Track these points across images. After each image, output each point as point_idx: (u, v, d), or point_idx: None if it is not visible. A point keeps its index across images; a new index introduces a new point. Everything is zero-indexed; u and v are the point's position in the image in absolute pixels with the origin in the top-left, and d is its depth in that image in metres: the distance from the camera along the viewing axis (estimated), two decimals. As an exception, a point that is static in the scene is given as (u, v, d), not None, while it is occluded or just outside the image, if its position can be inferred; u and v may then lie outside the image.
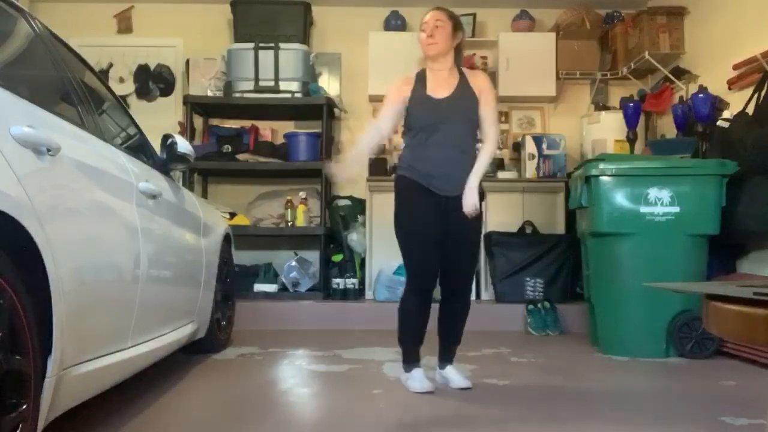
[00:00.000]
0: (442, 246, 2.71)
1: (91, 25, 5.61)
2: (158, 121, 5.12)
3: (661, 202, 3.58)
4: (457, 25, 2.76)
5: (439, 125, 2.69)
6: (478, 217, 2.76)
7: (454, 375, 2.83)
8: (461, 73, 2.79)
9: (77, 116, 2.01)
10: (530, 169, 5.22)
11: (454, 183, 2.70)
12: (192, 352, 3.39)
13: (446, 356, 2.88)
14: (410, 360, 2.79)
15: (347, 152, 2.87)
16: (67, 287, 1.57)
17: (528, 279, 4.91)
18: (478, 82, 2.79)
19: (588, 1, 5.52)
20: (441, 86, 2.74)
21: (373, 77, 5.42)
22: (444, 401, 2.62)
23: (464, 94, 2.74)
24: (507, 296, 4.92)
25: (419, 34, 2.76)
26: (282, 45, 5.17)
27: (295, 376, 3.15)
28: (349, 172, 3.15)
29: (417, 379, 2.74)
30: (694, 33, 4.83)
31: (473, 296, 5.16)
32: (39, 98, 1.75)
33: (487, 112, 2.76)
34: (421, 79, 2.79)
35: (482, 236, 2.90)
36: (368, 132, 2.94)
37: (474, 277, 3.02)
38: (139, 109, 5.50)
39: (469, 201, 2.68)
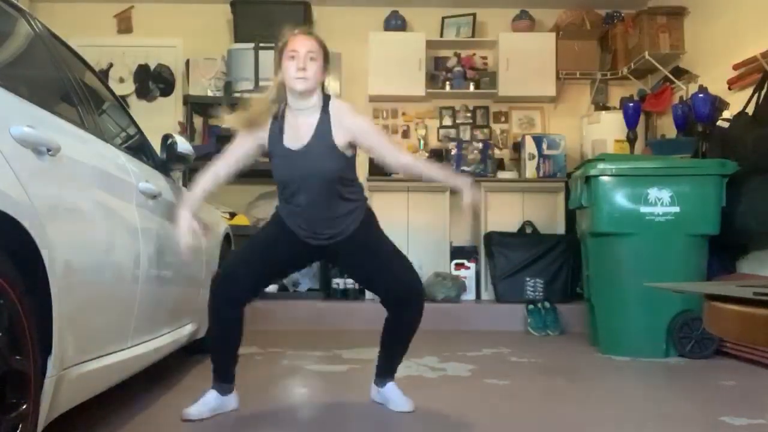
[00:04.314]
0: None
1: (91, 25, 5.61)
2: (158, 121, 5.12)
3: (661, 202, 3.58)
4: (327, 56, 2.31)
5: (298, 180, 2.29)
6: None
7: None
8: (325, 110, 2.29)
9: (77, 116, 2.01)
10: (530, 169, 5.22)
11: (325, 235, 2.35)
12: (192, 352, 3.39)
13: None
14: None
15: (184, 201, 2.41)
16: (67, 287, 1.57)
17: (528, 279, 4.91)
18: (346, 121, 2.28)
19: (588, 1, 5.52)
20: (299, 133, 2.28)
21: (373, 77, 5.43)
22: (443, 400, 2.62)
23: (320, 144, 2.26)
24: (507, 296, 4.92)
25: (284, 63, 2.25)
26: (282, 45, 5.17)
27: (295, 376, 3.15)
28: (191, 226, 2.34)
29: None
30: (694, 33, 4.82)
31: (473, 296, 5.20)
32: (39, 98, 1.75)
33: (373, 141, 2.33)
34: (279, 121, 2.32)
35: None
36: (206, 173, 2.42)
37: None
38: (139, 109, 5.50)
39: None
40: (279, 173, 2.33)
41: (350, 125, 2.29)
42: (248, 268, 2.39)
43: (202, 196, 2.43)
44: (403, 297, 2.38)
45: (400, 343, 2.48)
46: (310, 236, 2.36)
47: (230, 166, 2.40)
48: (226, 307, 2.38)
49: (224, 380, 2.42)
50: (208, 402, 2.36)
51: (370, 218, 2.43)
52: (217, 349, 2.44)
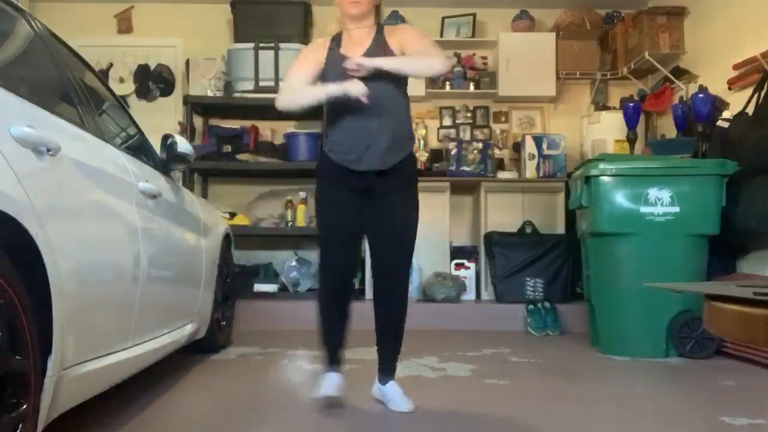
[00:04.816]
0: (363, 234, 2.50)
1: (91, 25, 5.61)
2: (158, 121, 5.12)
3: (661, 202, 3.58)
4: None
5: None
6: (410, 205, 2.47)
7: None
8: (380, 31, 2.45)
9: (77, 116, 2.01)
10: (530, 169, 5.21)
11: (376, 155, 2.36)
12: (192, 352, 3.39)
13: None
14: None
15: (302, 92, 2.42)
16: (67, 287, 1.57)
17: (528, 279, 4.91)
18: (398, 33, 2.44)
19: (588, 1, 5.52)
20: (356, 45, 2.42)
21: (373, 77, 5.42)
22: (443, 401, 2.62)
23: (380, 51, 2.39)
24: (507, 296, 4.92)
25: None
26: (282, 45, 5.17)
27: (295, 376, 3.15)
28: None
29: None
30: (694, 33, 4.82)
31: (473, 296, 5.20)
32: (39, 98, 1.75)
33: (417, 45, 2.38)
34: (336, 40, 2.48)
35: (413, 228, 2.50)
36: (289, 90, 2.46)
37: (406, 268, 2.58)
38: (139, 109, 5.49)
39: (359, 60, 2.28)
40: (336, 81, 2.36)
41: (400, 33, 2.45)
42: (335, 251, 2.47)
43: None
44: (389, 277, 2.48)
45: (390, 336, 2.56)
46: (357, 159, 2.35)
47: (305, 72, 2.46)
48: (336, 297, 2.52)
49: (338, 363, 2.56)
50: (334, 381, 2.48)
51: (414, 168, 2.50)
52: (327, 340, 2.55)
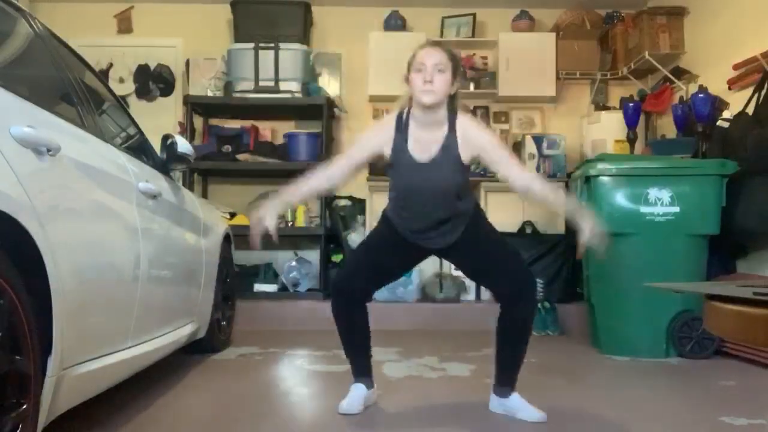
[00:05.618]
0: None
1: (91, 25, 5.61)
2: (158, 121, 5.12)
3: (661, 202, 3.58)
4: (456, 68, 2.29)
5: (419, 190, 2.31)
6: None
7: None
8: (452, 128, 2.29)
9: (77, 116, 2.01)
10: (530, 169, 5.21)
11: (434, 239, 2.39)
12: (192, 352, 3.39)
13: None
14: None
15: (282, 192, 2.47)
16: (67, 287, 1.57)
17: (528, 279, 4.90)
18: (473, 138, 2.29)
19: (588, 1, 5.52)
20: (425, 144, 2.29)
21: (373, 77, 5.42)
22: (443, 401, 2.62)
23: (448, 157, 2.27)
24: (507, 296, 4.91)
25: (411, 76, 2.28)
26: (282, 45, 5.17)
27: (295, 376, 3.15)
28: (271, 220, 2.44)
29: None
30: (694, 33, 4.82)
31: (473, 296, 5.20)
32: (39, 98, 1.75)
33: (495, 158, 2.32)
34: (403, 123, 2.33)
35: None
36: (319, 173, 2.42)
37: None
38: (139, 109, 5.49)
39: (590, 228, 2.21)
40: (401, 182, 2.35)
41: (475, 141, 2.29)
42: (361, 275, 2.45)
43: (306, 194, 2.50)
44: (512, 290, 2.34)
45: (513, 344, 2.39)
46: (420, 240, 2.40)
47: (345, 173, 2.40)
48: (346, 312, 2.46)
49: (364, 374, 2.49)
50: (360, 395, 2.42)
51: (477, 216, 2.45)
52: (348, 350, 2.52)
